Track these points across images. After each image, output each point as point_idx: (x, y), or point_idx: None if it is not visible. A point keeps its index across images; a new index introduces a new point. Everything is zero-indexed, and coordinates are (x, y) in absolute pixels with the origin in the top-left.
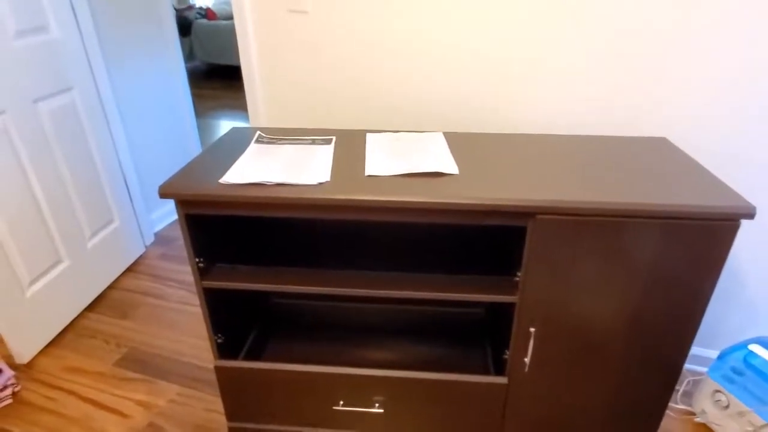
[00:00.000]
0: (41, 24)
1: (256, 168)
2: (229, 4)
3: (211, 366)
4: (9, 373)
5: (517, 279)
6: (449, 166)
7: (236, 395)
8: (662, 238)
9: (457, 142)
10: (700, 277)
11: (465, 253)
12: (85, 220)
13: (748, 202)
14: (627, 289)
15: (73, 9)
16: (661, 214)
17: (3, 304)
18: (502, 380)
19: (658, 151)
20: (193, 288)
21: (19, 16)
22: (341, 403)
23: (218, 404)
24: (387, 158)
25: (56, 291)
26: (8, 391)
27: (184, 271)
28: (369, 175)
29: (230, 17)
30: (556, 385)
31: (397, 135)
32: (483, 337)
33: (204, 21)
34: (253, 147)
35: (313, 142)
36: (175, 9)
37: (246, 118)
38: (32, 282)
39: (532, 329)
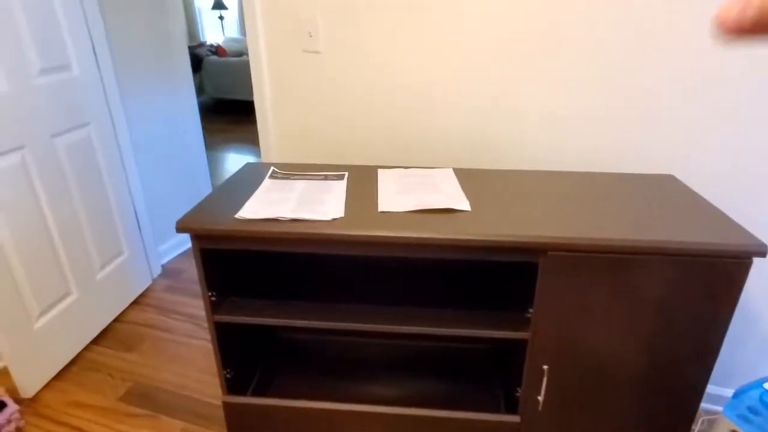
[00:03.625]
0: (64, 63)
1: (271, 203)
2: (238, 41)
3: (216, 401)
4: (13, 407)
5: (529, 315)
6: (461, 202)
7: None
8: (674, 276)
9: (467, 178)
10: (714, 314)
11: (476, 288)
12: (95, 252)
13: (761, 240)
14: (640, 326)
15: (93, 48)
16: (673, 251)
17: (11, 337)
18: (514, 419)
19: (666, 188)
20: (199, 321)
21: (44, 54)
22: None
23: None
24: (399, 194)
25: (64, 324)
26: (11, 426)
27: (190, 304)
28: (382, 211)
29: (239, 54)
30: (570, 423)
31: (408, 171)
32: (493, 372)
33: (214, 57)
34: (267, 182)
35: (326, 177)
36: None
37: (253, 152)
38: (41, 314)
39: (545, 366)
